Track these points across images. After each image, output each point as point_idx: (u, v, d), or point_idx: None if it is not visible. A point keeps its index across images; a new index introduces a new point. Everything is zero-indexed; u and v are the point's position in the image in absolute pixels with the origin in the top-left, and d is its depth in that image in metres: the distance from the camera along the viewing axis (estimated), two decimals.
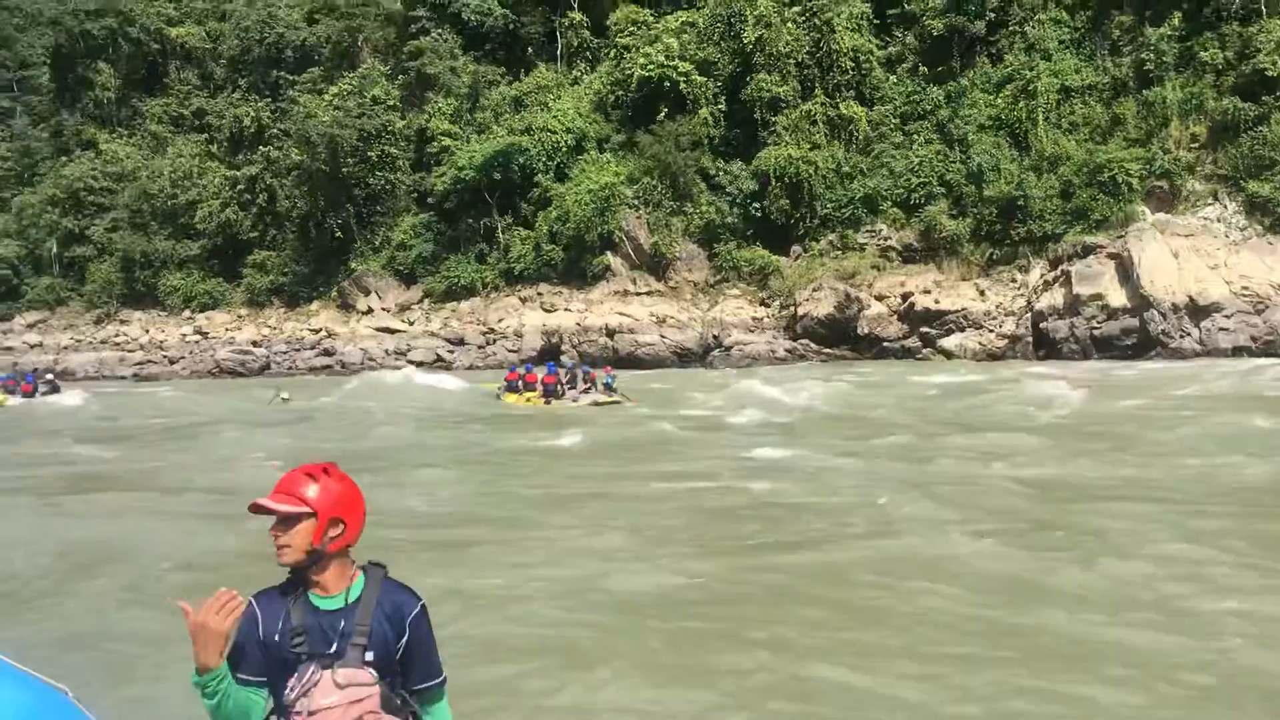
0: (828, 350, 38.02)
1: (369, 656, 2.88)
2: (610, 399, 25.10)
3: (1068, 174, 37.87)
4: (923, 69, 43.44)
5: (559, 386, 26.23)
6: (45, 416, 25.76)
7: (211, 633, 2.71)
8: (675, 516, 11.13)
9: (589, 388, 26.53)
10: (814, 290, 39.00)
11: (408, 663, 2.94)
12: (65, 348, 50.77)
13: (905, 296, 38.12)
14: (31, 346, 51.95)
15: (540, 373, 26.82)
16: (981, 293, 37.82)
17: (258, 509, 2.92)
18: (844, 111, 42.75)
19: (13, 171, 59.10)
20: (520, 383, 27.01)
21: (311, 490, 2.90)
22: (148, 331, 51.07)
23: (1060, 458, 14.26)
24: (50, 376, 32.34)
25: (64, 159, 57.63)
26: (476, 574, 8.78)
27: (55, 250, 56.13)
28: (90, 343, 51.05)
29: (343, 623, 2.89)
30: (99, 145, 57.25)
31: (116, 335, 51.37)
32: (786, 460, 14.76)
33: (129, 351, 48.42)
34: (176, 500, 13.09)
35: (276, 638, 2.88)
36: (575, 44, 50.40)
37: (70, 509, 12.79)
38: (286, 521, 2.88)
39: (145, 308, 53.37)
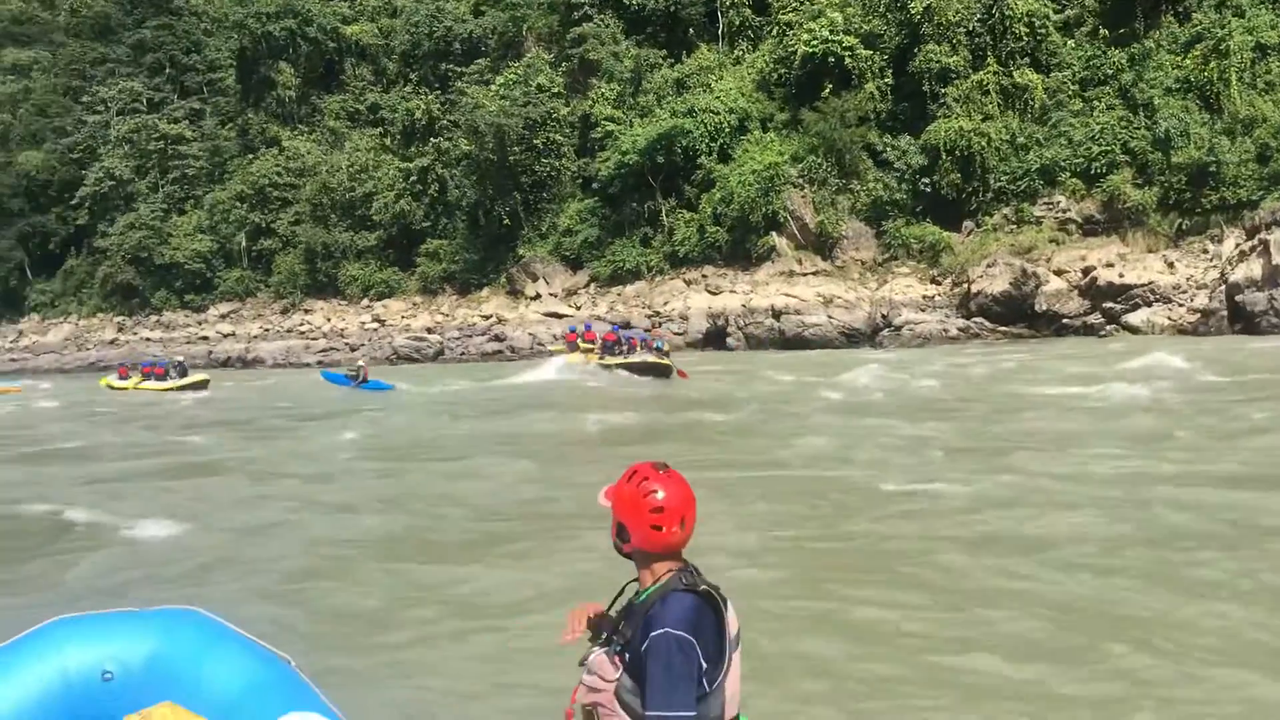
0: (1003, 328, 36.71)
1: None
2: (660, 359, 27.47)
3: (1264, 137, 35.46)
4: (1103, 31, 41.31)
5: (617, 346, 28.69)
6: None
7: None
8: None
9: (644, 348, 28.49)
10: (988, 266, 37.71)
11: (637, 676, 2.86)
12: (255, 337, 53.55)
13: (1086, 271, 36.45)
14: (224, 336, 55.06)
15: (600, 330, 29.07)
16: (1170, 265, 35.82)
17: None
18: (1018, 80, 41.10)
19: (204, 170, 62.45)
20: (580, 340, 30.08)
21: (611, 490, 3.05)
22: (329, 320, 53.33)
23: None
24: (180, 360, 36.64)
25: (250, 156, 60.61)
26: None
27: (244, 244, 59.18)
28: (278, 331, 53.67)
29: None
30: (282, 142, 59.98)
31: (301, 324, 53.85)
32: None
33: (313, 339, 50.70)
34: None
35: None
36: (737, 23, 49.99)
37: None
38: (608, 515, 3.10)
39: (327, 297, 55.74)
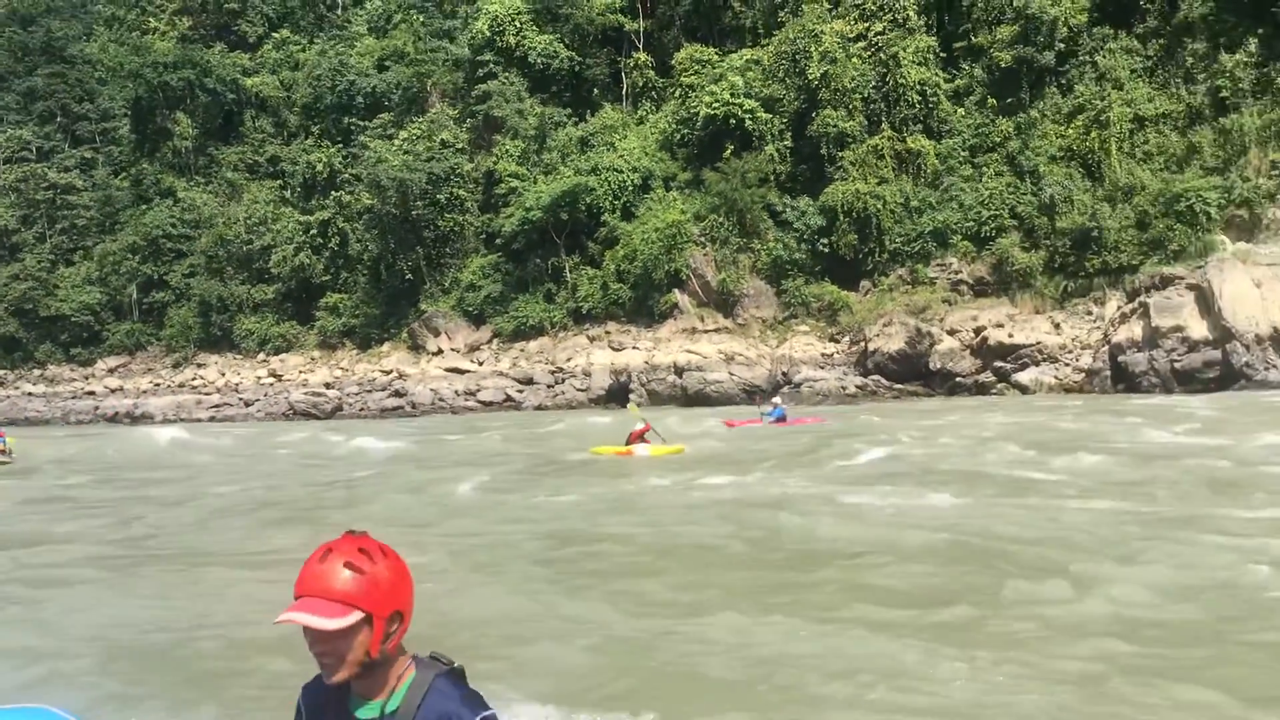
0: (899, 386, 37.54)
1: None
2: None
3: (1143, 204, 37.13)
4: (991, 101, 43.00)
5: None
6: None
7: None
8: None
9: None
10: (884, 325, 38.61)
11: None
12: (145, 391, 51.99)
13: (978, 331, 37.57)
14: (112, 391, 53.29)
15: None
16: (1056, 326, 37.16)
17: (292, 623, 2.27)
18: (911, 145, 42.48)
19: (95, 220, 60.79)
20: None
21: (356, 586, 2.28)
22: (224, 374, 52.09)
23: None
24: None
25: (143, 207, 59.23)
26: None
27: (135, 296, 57.61)
28: (169, 386, 52.21)
29: None
30: (177, 193, 58.77)
31: (194, 379, 52.48)
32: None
33: (206, 394, 49.40)
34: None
35: None
36: (640, 84, 50.81)
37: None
38: (333, 636, 2.27)
39: (221, 351, 54.48)
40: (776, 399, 26.24)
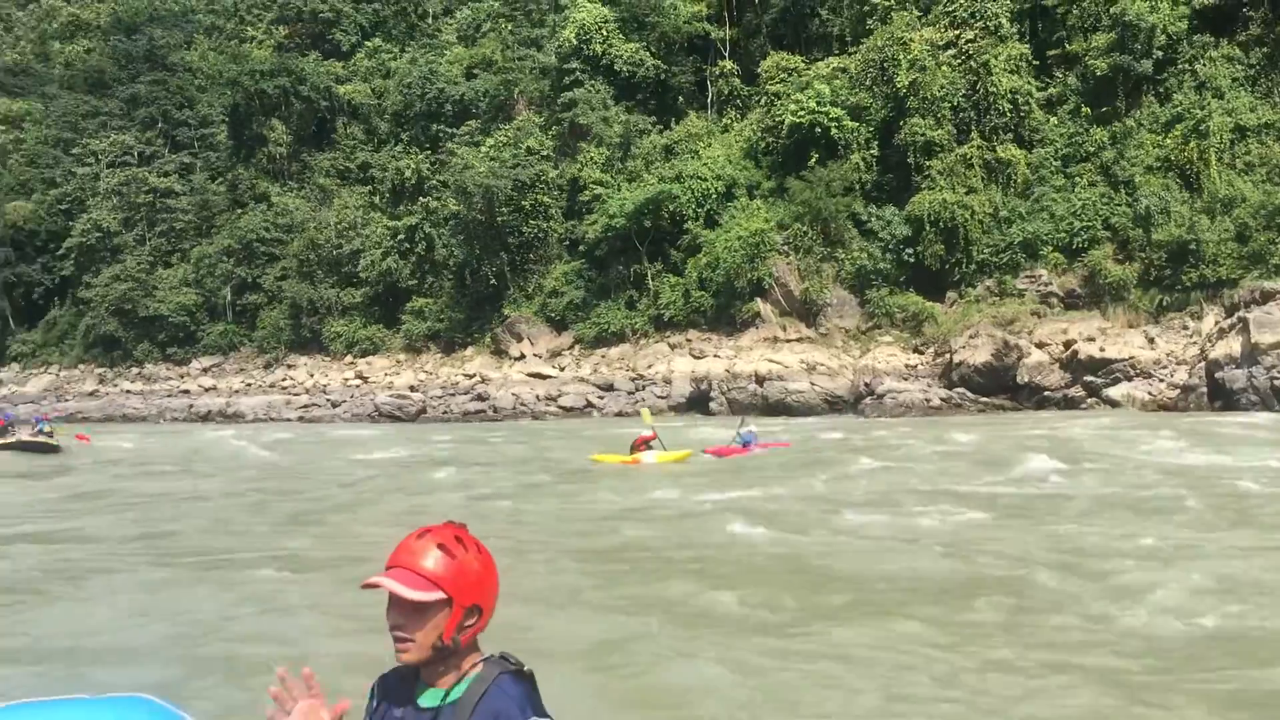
0: (985, 399, 36.83)
1: None
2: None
3: (1244, 216, 35.98)
4: (1085, 110, 42.00)
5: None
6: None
7: None
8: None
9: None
10: (970, 337, 37.92)
11: None
12: (236, 391, 53.27)
13: (1068, 344, 36.71)
14: (206, 390, 54.74)
15: None
16: (1150, 340, 36.14)
17: (374, 588, 2.34)
18: (1001, 155, 41.71)
19: (192, 224, 62.52)
20: None
21: (445, 568, 2.33)
22: (312, 376, 53.13)
23: None
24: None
25: (239, 211, 60.78)
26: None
27: (229, 298, 59.12)
28: (260, 386, 53.41)
29: None
30: (271, 198, 60.22)
31: (284, 379, 53.63)
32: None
33: (295, 395, 50.44)
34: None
35: None
36: (725, 92, 50.72)
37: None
38: (413, 609, 2.32)
39: (310, 353, 55.61)
40: (751, 425, 25.66)
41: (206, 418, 48.74)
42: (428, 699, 2.37)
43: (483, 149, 52.34)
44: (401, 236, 53.66)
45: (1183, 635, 8.21)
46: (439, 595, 2.29)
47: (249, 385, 54.07)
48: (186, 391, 54.96)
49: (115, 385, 58.79)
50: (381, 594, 2.34)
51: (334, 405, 47.05)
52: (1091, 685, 7.04)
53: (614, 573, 11.39)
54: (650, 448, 22.77)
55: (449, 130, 56.23)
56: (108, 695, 3.90)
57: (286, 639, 8.82)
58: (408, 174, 55.63)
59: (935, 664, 7.64)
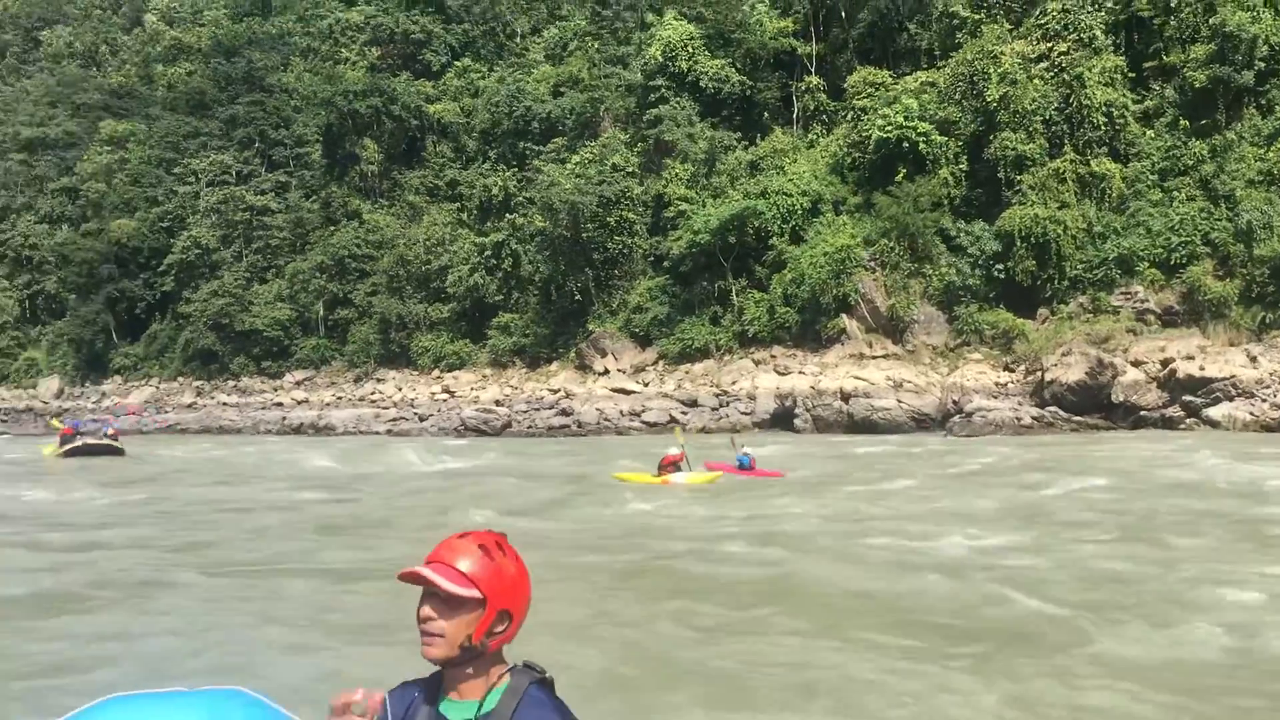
0: (1078, 418, 35.92)
1: None
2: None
3: None
4: (1183, 122, 40.88)
5: None
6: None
7: None
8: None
9: None
10: (1063, 355, 37.07)
11: None
12: (327, 404, 54.38)
13: (1165, 362, 35.67)
14: (298, 403, 55.98)
15: None
16: (1253, 359, 34.94)
17: (413, 579, 2.36)
18: (1095, 169, 40.81)
19: (287, 240, 64.10)
20: None
21: (482, 568, 2.36)
22: (400, 390, 53.99)
23: None
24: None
25: (331, 228, 62.15)
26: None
27: (321, 313, 60.48)
28: (350, 400, 54.45)
29: None
30: (362, 215, 61.50)
31: (373, 393, 54.60)
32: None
33: (384, 409, 51.30)
34: None
35: None
36: (811, 108, 50.46)
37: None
38: (446, 603, 2.33)
39: (399, 367, 56.56)
40: (747, 448, 25.12)
41: (299, 430, 49.81)
42: (456, 712, 2.36)
43: (569, 166, 52.81)
44: (488, 253, 54.34)
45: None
46: (474, 593, 2.31)
47: (339, 399, 55.15)
48: (280, 404, 56.26)
49: (212, 397, 60.43)
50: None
51: (421, 419, 47.73)
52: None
53: (641, 589, 11.46)
54: (679, 468, 22.43)
55: (536, 148, 56.87)
56: (205, 688, 3.99)
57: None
58: (495, 191, 56.36)
59: (978, 695, 7.49)
